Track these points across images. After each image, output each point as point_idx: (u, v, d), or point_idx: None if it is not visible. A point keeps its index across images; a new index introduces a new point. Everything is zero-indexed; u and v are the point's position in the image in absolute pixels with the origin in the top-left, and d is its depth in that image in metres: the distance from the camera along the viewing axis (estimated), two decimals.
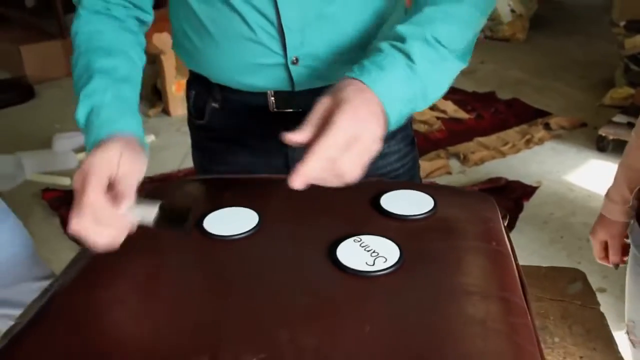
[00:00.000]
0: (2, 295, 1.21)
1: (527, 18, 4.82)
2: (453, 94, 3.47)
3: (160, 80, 3.59)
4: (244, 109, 0.95)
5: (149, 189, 0.86)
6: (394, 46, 0.74)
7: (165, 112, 3.69)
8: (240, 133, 0.99)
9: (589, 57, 4.41)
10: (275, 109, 0.93)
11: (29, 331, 0.61)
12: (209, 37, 0.89)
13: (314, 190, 0.67)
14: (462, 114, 3.42)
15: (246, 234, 0.73)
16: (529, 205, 2.59)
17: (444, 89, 0.78)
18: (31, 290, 1.21)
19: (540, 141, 3.16)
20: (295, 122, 0.87)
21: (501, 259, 0.68)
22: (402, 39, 0.74)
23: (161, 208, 0.68)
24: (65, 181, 2.93)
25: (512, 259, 0.69)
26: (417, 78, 0.73)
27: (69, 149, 3.22)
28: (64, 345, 0.58)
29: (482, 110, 3.50)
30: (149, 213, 0.69)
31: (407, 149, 1.04)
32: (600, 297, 2.00)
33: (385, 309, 0.61)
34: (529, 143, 3.13)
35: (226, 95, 0.96)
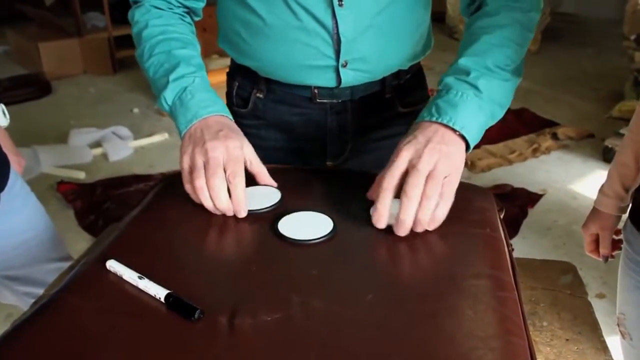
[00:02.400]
0: (24, 274, 1.27)
1: (539, 30, 4.87)
2: None
3: None
4: (287, 98, 1.04)
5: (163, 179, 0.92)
6: (460, 80, 0.82)
7: None
8: (282, 119, 1.07)
9: (599, 69, 4.44)
10: (317, 100, 1.01)
11: (57, 301, 0.66)
12: (263, 37, 0.96)
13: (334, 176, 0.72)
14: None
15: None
16: (533, 212, 2.63)
17: (507, 105, 0.86)
18: (50, 271, 1.27)
19: (547, 150, 3.19)
20: (333, 110, 1.01)
21: (494, 242, 0.74)
22: (467, 72, 0.83)
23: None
24: (79, 175, 3.00)
25: (504, 243, 0.75)
26: (485, 105, 0.81)
27: (84, 144, 3.29)
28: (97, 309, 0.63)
29: None
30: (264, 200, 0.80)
31: None
32: (599, 302, 2.06)
33: (386, 280, 0.67)
34: (536, 152, 3.17)
35: (271, 87, 1.04)
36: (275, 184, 0.84)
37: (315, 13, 0.91)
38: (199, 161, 0.80)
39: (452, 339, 0.57)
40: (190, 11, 1.02)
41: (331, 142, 1.07)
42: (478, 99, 0.81)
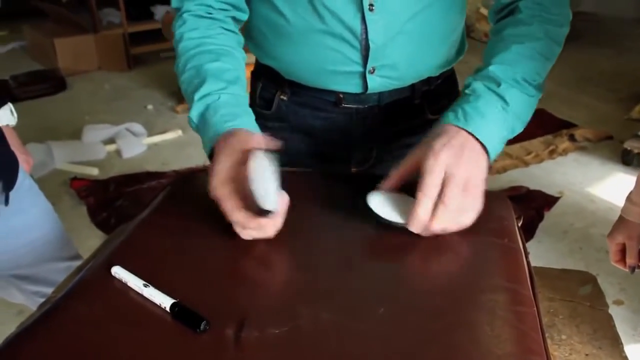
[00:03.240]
0: (33, 273, 1.26)
1: None
2: None
3: None
4: (311, 102, 1.01)
5: (177, 178, 0.90)
6: (490, 89, 0.81)
7: None
8: (306, 123, 1.04)
9: (618, 69, 4.38)
10: (342, 105, 0.99)
11: (64, 305, 0.64)
12: (287, 39, 0.93)
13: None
14: None
15: None
16: (549, 215, 2.59)
17: (528, 120, 0.84)
18: (59, 270, 1.26)
19: (564, 152, 3.15)
20: (359, 115, 0.99)
21: (512, 253, 0.71)
22: (497, 83, 0.81)
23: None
24: (93, 171, 3.00)
25: (523, 254, 0.72)
26: (510, 118, 0.80)
27: (98, 140, 3.30)
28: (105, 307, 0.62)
29: None
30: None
31: None
32: (617, 309, 2.02)
33: (399, 292, 0.64)
34: (552, 154, 3.12)
35: (295, 89, 1.01)
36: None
37: (343, 17, 0.88)
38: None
39: (467, 358, 0.54)
40: (233, 7, 0.94)
41: (356, 148, 1.04)
42: (505, 112, 0.79)
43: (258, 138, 0.74)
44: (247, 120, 0.81)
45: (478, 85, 0.81)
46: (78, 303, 0.63)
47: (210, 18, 0.91)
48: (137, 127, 3.43)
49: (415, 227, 0.71)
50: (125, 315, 0.60)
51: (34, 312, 0.68)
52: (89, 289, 0.66)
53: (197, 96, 0.82)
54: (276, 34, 0.94)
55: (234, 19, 0.95)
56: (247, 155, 0.70)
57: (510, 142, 3.09)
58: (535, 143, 3.23)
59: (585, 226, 2.51)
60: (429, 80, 1.00)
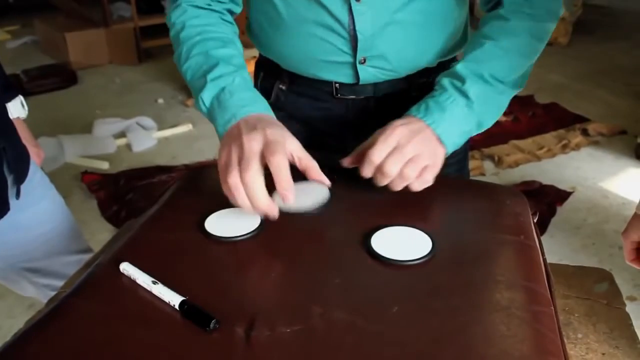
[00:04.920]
0: (44, 266, 1.26)
1: (571, 22, 4.75)
2: None
3: None
4: (308, 92, 1.01)
5: (186, 172, 0.89)
6: (454, 86, 0.83)
7: None
8: (303, 112, 1.04)
9: (632, 63, 4.32)
10: (338, 95, 0.99)
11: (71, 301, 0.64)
12: (284, 31, 0.94)
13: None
14: None
15: None
16: (562, 210, 2.57)
17: (498, 116, 0.87)
18: (70, 263, 1.26)
19: (577, 147, 3.11)
20: (355, 106, 0.99)
21: (528, 251, 0.69)
22: (462, 80, 0.83)
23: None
24: (103, 165, 3.00)
25: (539, 252, 0.70)
26: (474, 114, 0.83)
27: (109, 134, 3.30)
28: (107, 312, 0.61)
29: (520, 113, 3.46)
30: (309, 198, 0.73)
31: (463, 158, 1.11)
32: (631, 305, 1.99)
33: (413, 292, 0.63)
34: (565, 148, 3.09)
35: (293, 79, 1.02)
36: (328, 182, 0.74)
37: (331, 8, 0.88)
38: (234, 156, 0.71)
39: (483, 358, 0.53)
40: (230, 1, 0.95)
41: (352, 138, 1.02)
42: (467, 108, 0.82)
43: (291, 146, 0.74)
44: (263, 107, 0.82)
45: (444, 82, 0.84)
46: (86, 300, 0.62)
47: (208, 9, 0.92)
48: (148, 121, 3.43)
49: (367, 170, 0.77)
50: (133, 313, 0.60)
51: (42, 309, 0.67)
52: (97, 285, 0.65)
53: (210, 77, 0.82)
54: (271, 25, 0.95)
55: (230, 11, 0.96)
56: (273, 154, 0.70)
57: (522, 137, 3.06)
58: (548, 137, 3.20)
59: (598, 222, 2.48)
60: (426, 72, 0.98)
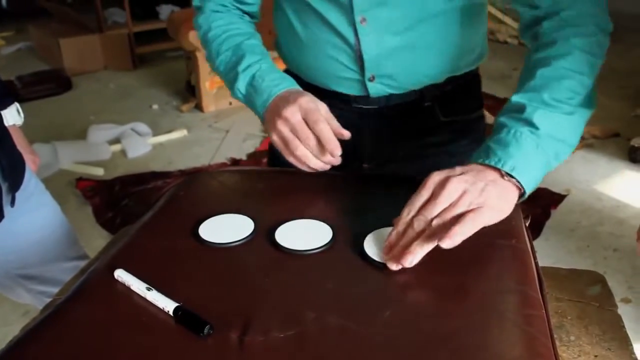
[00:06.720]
0: (40, 273, 1.26)
1: None
2: (485, 99, 3.45)
3: (195, 77, 3.66)
4: (326, 102, 1.00)
5: (181, 180, 0.90)
6: (514, 118, 0.75)
7: (198, 107, 3.75)
8: None
9: (627, 66, 4.34)
10: (353, 105, 1.01)
11: (67, 306, 0.64)
12: (301, 48, 1.00)
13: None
14: (493, 120, 3.40)
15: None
16: (556, 213, 2.58)
17: (576, 141, 0.77)
18: (66, 269, 1.26)
19: None
20: (369, 115, 1.01)
21: (520, 255, 0.70)
22: (521, 109, 0.75)
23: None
24: (98, 171, 3.00)
25: (531, 255, 0.71)
26: (545, 142, 0.73)
27: (103, 141, 3.30)
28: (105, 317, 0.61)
29: None
30: None
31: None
32: (625, 307, 2.01)
33: (405, 295, 0.63)
34: None
35: (313, 90, 1.02)
36: (347, 134, 0.85)
37: (339, 28, 0.92)
38: (287, 133, 0.84)
39: None
40: (246, 14, 1.04)
41: (367, 145, 1.05)
42: (535, 136, 0.72)
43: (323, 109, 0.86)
44: (292, 83, 0.92)
45: (502, 119, 0.76)
46: (80, 307, 0.62)
47: (228, 12, 1.02)
48: (142, 127, 3.43)
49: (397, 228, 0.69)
50: (128, 319, 0.60)
51: (37, 316, 0.67)
52: (91, 292, 0.65)
53: (240, 68, 0.93)
54: (291, 42, 1.01)
55: (250, 15, 1.06)
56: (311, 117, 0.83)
57: None
58: None
59: (592, 224, 2.49)
60: (438, 85, 0.99)
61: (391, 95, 0.98)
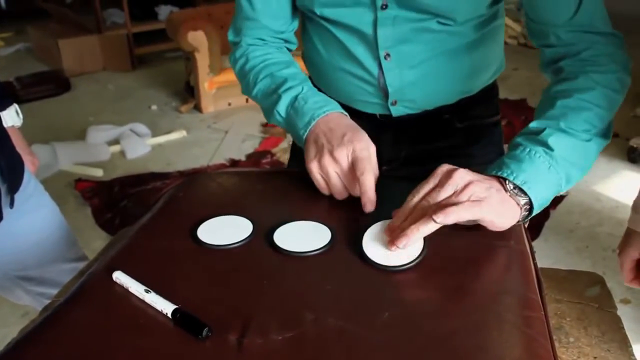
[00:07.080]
0: (39, 274, 1.26)
1: None
2: None
3: (194, 78, 3.66)
4: (353, 116, 1.01)
5: (180, 181, 0.90)
6: (530, 140, 0.76)
7: (197, 108, 3.75)
8: None
9: None
10: (379, 118, 1.03)
11: (65, 308, 0.64)
12: (325, 72, 1.03)
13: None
14: None
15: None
16: (555, 214, 2.58)
17: (588, 167, 0.78)
18: (64, 271, 1.26)
19: None
20: (389, 124, 1.03)
21: (519, 256, 0.70)
22: (538, 131, 0.76)
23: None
24: (97, 172, 3.00)
25: (530, 257, 0.71)
26: (558, 164, 0.74)
27: (102, 142, 3.30)
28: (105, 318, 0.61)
29: (513, 117, 3.48)
30: None
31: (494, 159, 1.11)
32: (624, 308, 2.01)
33: (403, 296, 0.63)
34: None
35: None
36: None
37: (364, 62, 0.95)
38: (332, 174, 0.80)
39: None
40: (285, 40, 1.04)
41: (385, 150, 1.05)
42: (548, 157, 0.73)
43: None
44: (336, 106, 0.88)
45: (518, 140, 0.77)
46: (79, 309, 0.62)
47: (265, 45, 1.01)
48: (141, 128, 3.43)
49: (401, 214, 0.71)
50: (126, 322, 0.60)
51: (35, 318, 0.67)
52: (89, 294, 0.65)
53: (281, 90, 0.90)
54: (316, 66, 1.04)
55: (287, 48, 1.05)
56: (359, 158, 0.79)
57: None
58: None
59: (591, 225, 2.50)
60: (455, 102, 1.02)
61: (411, 114, 1.01)
